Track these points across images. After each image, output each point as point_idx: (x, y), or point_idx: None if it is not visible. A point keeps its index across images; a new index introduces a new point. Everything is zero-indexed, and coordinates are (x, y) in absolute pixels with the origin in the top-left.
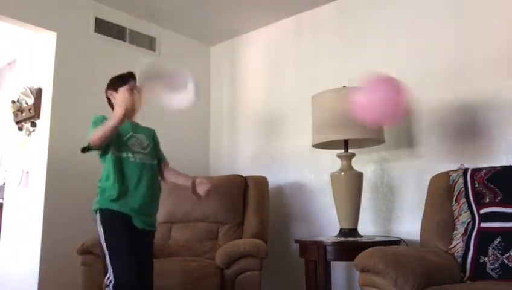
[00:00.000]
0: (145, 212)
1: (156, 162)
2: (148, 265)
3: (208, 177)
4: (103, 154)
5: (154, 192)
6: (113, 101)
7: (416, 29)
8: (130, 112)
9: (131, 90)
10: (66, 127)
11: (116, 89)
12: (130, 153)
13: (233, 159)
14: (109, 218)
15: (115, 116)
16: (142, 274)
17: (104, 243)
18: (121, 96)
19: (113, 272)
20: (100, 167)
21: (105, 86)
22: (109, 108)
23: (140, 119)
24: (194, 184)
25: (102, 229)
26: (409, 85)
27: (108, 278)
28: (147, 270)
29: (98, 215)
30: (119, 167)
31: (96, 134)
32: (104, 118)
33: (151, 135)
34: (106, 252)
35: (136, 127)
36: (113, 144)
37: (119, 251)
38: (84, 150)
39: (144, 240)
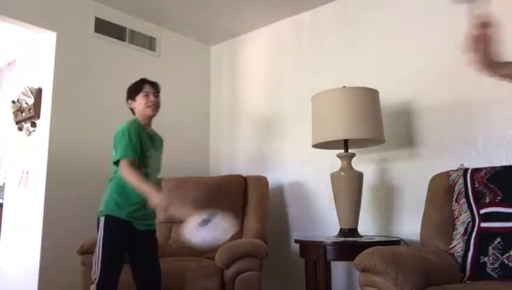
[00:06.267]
0: (147, 217)
1: None
2: (156, 263)
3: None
4: None
5: None
6: (133, 108)
7: (416, 29)
8: (148, 118)
9: (147, 96)
10: (66, 127)
11: (133, 98)
12: (149, 168)
13: (233, 159)
14: (112, 225)
15: (149, 197)
16: (151, 274)
17: (100, 245)
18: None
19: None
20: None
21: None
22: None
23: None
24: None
25: (102, 232)
26: (409, 85)
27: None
28: (156, 269)
29: (102, 220)
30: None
31: (130, 179)
32: (131, 132)
33: (161, 146)
34: (99, 254)
35: (153, 140)
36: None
37: (110, 257)
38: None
39: (145, 240)
